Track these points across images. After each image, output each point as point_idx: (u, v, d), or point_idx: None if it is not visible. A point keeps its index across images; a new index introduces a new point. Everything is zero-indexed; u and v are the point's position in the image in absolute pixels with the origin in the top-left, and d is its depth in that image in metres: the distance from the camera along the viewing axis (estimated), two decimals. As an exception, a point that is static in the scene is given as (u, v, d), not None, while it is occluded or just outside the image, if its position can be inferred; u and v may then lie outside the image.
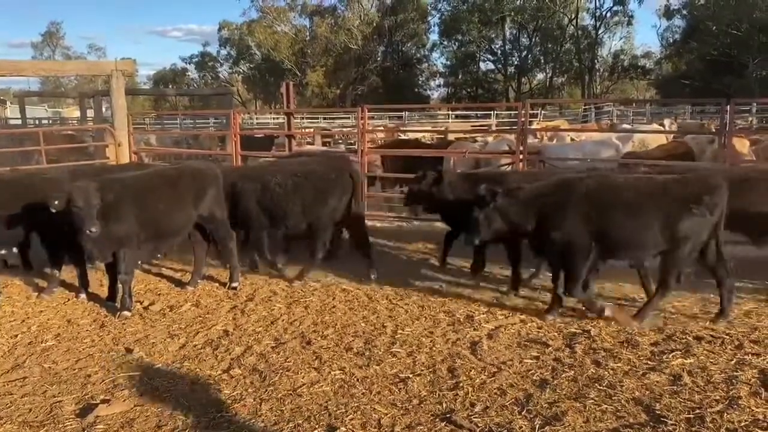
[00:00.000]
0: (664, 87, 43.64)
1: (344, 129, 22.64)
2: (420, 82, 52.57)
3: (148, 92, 48.40)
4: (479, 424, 3.65)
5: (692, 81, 38.34)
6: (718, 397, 3.83)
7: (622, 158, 9.59)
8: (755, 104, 21.67)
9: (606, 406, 3.79)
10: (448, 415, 3.77)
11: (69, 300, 6.43)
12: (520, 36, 49.01)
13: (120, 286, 6.05)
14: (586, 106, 30.60)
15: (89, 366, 4.77)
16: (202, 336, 5.32)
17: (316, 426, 3.72)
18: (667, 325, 5.21)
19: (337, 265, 7.27)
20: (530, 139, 10.01)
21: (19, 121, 22.17)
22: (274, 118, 30.89)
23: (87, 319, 5.90)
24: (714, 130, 11.48)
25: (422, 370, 4.44)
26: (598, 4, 46.27)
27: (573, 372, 4.31)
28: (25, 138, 13.88)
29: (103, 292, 6.50)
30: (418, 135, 16.18)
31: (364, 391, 4.16)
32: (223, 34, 52.66)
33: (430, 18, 50.26)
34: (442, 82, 53.24)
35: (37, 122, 24.20)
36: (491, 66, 51.44)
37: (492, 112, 28.57)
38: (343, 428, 3.68)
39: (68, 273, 6.76)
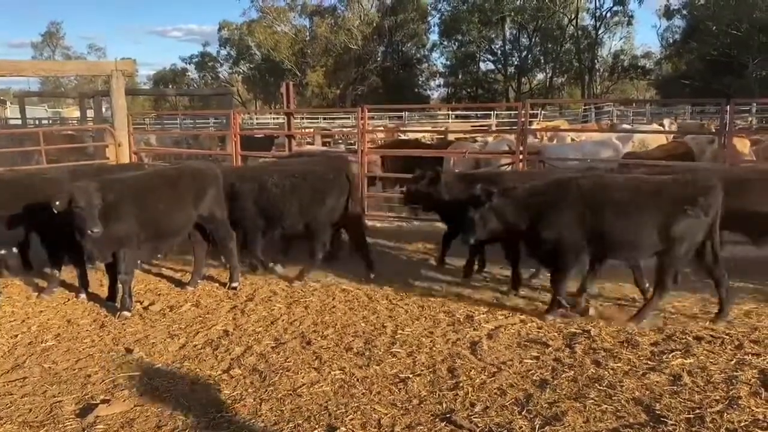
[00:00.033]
0: (664, 87, 43.65)
1: (344, 129, 22.63)
2: (420, 82, 52.58)
3: (148, 92, 48.41)
4: (479, 424, 3.65)
5: (692, 81, 38.34)
6: (718, 397, 3.83)
7: (622, 158, 9.59)
8: (755, 104, 21.68)
9: (606, 406, 3.79)
10: (448, 415, 3.77)
11: (69, 300, 6.43)
12: (520, 36, 49.01)
13: (120, 286, 6.05)
14: (586, 107, 30.60)
15: (89, 366, 4.77)
16: (202, 336, 5.32)
17: (316, 426, 3.72)
18: (667, 325, 5.21)
19: (337, 266, 7.28)
20: (530, 139, 10.00)
21: (19, 121, 22.18)
22: (274, 119, 30.89)
23: (87, 319, 5.90)
24: (714, 131, 11.48)
25: (422, 370, 4.44)
26: (598, 4, 46.37)
27: (573, 372, 4.31)
28: (25, 138, 13.89)
29: (103, 292, 6.50)
30: (418, 135, 16.18)
31: (364, 391, 4.16)
32: (223, 34, 52.70)
33: (430, 18, 50.33)
34: (442, 82, 53.32)
35: (37, 122, 24.20)
36: (491, 66, 51.52)
37: (492, 112, 28.57)
38: (343, 428, 3.68)
39: (68, 273, 6.77)
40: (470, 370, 4.40)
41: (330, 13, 49.28)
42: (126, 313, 5.86)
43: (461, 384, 4.19)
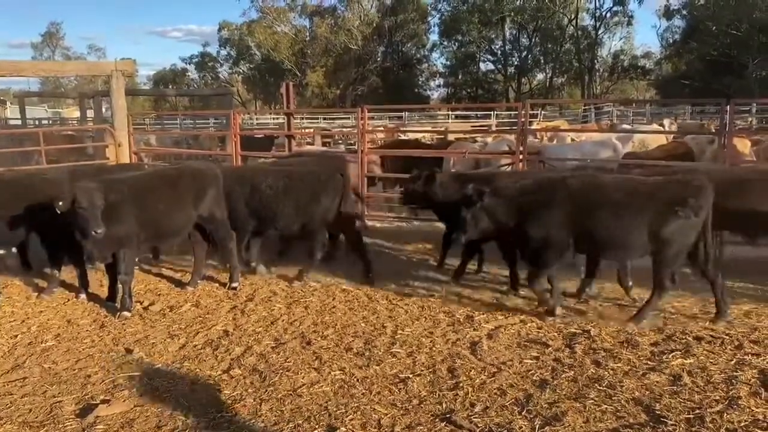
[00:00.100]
0: (664, 87, 43.67)
1: (344, 129, 22.65)
2: (420, 82, 52.60)
3: (148, 92, 48.41)
4: (479, 425, 3.65)
5: (692, 81, 38.37)
6: (718, 397, 3.83)
7: (622, 159, 9.59)
8: (755, 104, 21.69)
9: (606, 406, 3.79)
10: (448, 415, 3.77)
11: (69, 300, 6.43)
12: (520, 36, 49.03)
13: (120, 286, 6.05)
14: (586, 107, 30.60)
15: (89, 366, 4.77)
16: (202, 336, 5.32)
17: (316, 426, 3.72)
18: (667, 325, 5.21)
19: (336, 266, 7.28)
20: (530, 140, 10.00)
21: (19, 122, 22.18)
22: (274, 119, 30.90)
23: (87, 319, 5.90)
24: (714, 131, 11.48)
25: (422, 371, 4.44)
26: (597, 4, 46.41)
27: (573, 372, 4.31)
28: (25, 138, 13.89)
29: (103, 292, 6.50)
30: (418, 135, 16.19)
31: (364, 391, 4.16)
32: (223, 35, 52.71)
33: (430, 18, 50.37)
34: (442, 83, 53.35)
35: (37, 122, 24.22)
36: (491, 66, 51.55)
37: (492, 113, 28.59)
38: (343, 428, 3.68)
39: (68, 273, 6.76)
40: (470, 370, 4.40)
41: (330, 14, 49.34)
42: (126, 314, 5.86)
43: (461, 384, 4.19)
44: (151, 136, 17.83)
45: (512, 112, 27.01)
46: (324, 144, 17.95)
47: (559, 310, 5.54)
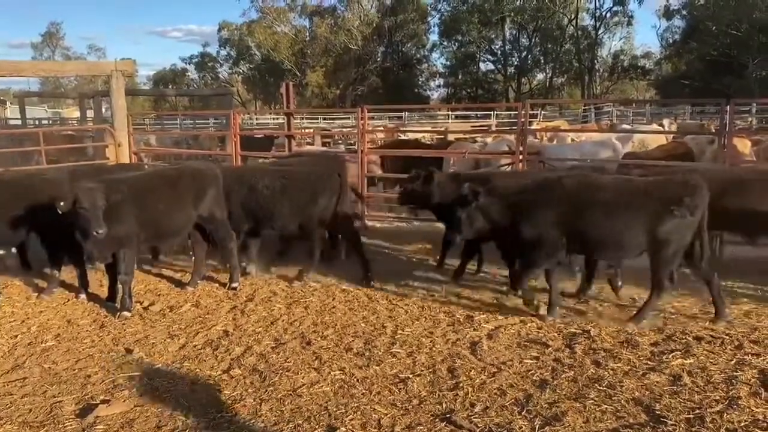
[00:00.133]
0: (664, 87, 43.66)
1: (344, 129, 22.64)
2: (420, 82, 52.60)
3: (148, 92, 48.39)
4: (479, 425, 3.65)
5: (692, 81, 38.36)
6: (718, 397, 3.83)
7: (622, 159, 9.59)
8: (755, 104, 21.68)
9: (606, 406, 3.79)
10: (448, 416, 3.77)
11: (69, 300, 6.43)
12: (519, 36, 49.03)
13: (120, 286, 6.05)
14: (586, 107, 30.61)
15: (89, 366, 4.77)
16: (202, 336, 5.32)
17: (316, 426, 3.72)
18: (667, 325, 5.21)
19: (336, 266, 7.28)
20: (530, 140, 10.00)
21: (19, 122, 22.18)
22: (274, 119, 30.90)
23: (87, 319, 5.90)
24: (714, 131, 11.48)
25: (422, 371, 4.44)
26: (597, 4, 46.40)
27: (573, 372, 4.31)
28: (25, 138, 13.89)
29: (103, 292, 6.50)
30: (418, 135, 16.19)
31: (364, 391, 4.16)
32: (222, 35, 52.71)
33: (429, 18, 50.36)
34: (441, 83, 53.34)
35: (36, 123, 24.21)
36: (491, 66, 51.54)
37: (492, 113, 28.59)
38: (343, 428, 3.68)
39: (68, 273, 6.76)
40: (470, 371, 4.40)
41: (330, 14, 49.33)
42: (126, 314, 5.86)
43: (461, 384, 4.19)
44: (151, 136, 17.82)
45: (512, 112, 27.01)
46: (324, 144, 17.94)
47: (558, 310, 5.55)
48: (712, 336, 4.83)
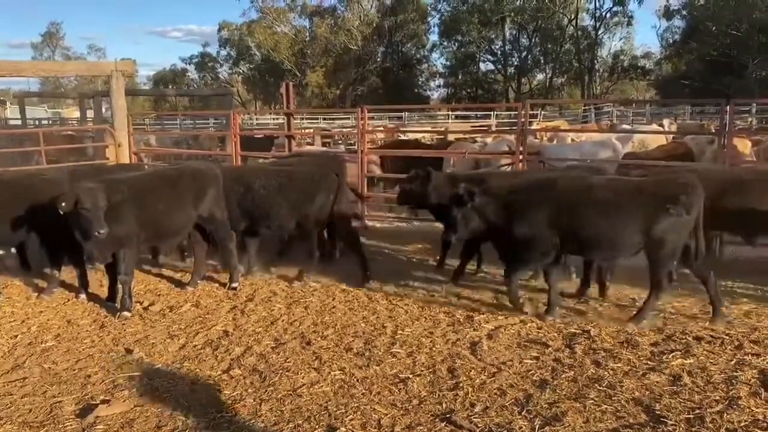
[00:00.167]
0: (664, 87, 43.67)
1: (344, 129, 22.65)
2: (420, 82, 52.60)
3: (148, 93, 48.42)
4: (479, 425, 3.65)
5: (692, 81, 38.38)
6: (718, 398, 3.83)
7: (622, 159, 9.59)
8: (755, 105, 21.69)
9: (606, 406, 3.79)
10: (448, 416, 3.77)
11: (69, 300, 6.43)
12: (519, 36, 49.03)
13: (120, 286, 6.05)
14: (586, 107, 30.61)
15: (89, 366, 4.77)
16: (202, 336, 5.32)
17: (316, 426, 3.72)
18: (667, 325, 5.22)
19: (336, 266, 7.28)
20: (530, 140, 10.00)
21: (19, 122, 22.18)
22: (274, 119, 30.91)
23: (87, 319, 5.90)
24: (714, 131, 11.48)
25: (422, 371, 4.44)
26: (597, 4, 46.40)
27: (573, 372, 4.31)
28: (25, 138, 13.88)
29: (103, 292, 6.50)
30: (418, 135, 16.19)
31: (364, 391, 4.16)
32: (222, 35, 52.70)
33: (429, 18, 50.36)
34: (441, 83, 53.35)
35: (36, 123, 24.21)
36: (491, 66, 51.54)
37: (492, 113, 28.58)
38: (343, 428, 3.68)
39: (68, 273, 6.76)
40: (470, 371, 4.40)
41: (330, 14, 49.33)
42: (126, 314, 5.86)
43: (461, 384, 4.19)
44: (150, 136, 17.81)
45: (512, 113, 26.99)
46: (324, 144, 17.95)
47: (558, 310, 5.56)
48: (712, 336, 4.83)
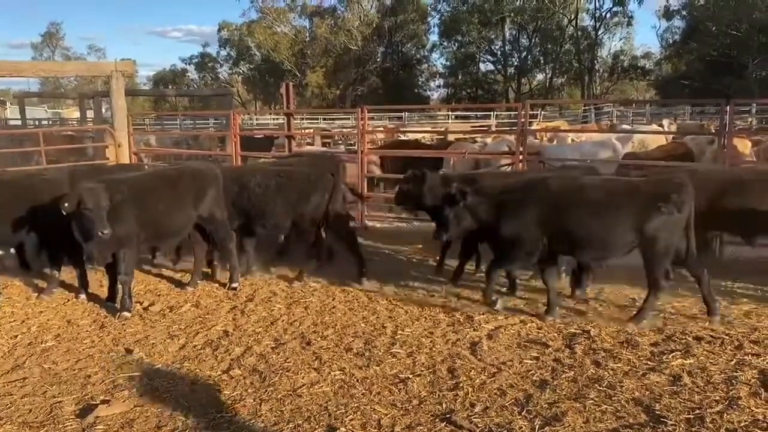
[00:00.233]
0: (664, 88, 43.67)
1: (344, 130, 22.65)
2: (420, 82, 52.59)
3: (147, 93, 48.37)
4: (479, 425, 3.65)
5: (692, 82, 38.37)
6: (718, 398, 3.83)
7: (622, 159, 9.59)
8: (755, 105, 21.69)
9: (606, 406, 3.79)
10: (448, 416, 3.77)
11: (69, 301, 6.43)
12: (519, 37, 49.02)
13: (120, 286, 6.05)
14: (586, 107, 30.62)
15: (89, 366, 4.77)
16: (201, 336, 5.32)
17: (316, 426, 3.72)
18: (666, 325, 5.22)
19: (336, 266, 7.27)
20: (530, 140, 10.00)
21: (19, 122, 22.18)
22: (273, 119, 30.91)
23: (87, 319, 5.90)
24: (714, 131, 11.48)
25: (422, 371, 4.44)
26: (597, 4, 46.38)
27: (573, 372, 4.31)
28: (24, 138, 13.87)
29: (103, 292, 6.50)
30: (418, 136, 16.20)
31: (364, 391, 4.16)
32: (222, 35, 52.66)
33: (429, 19, 50.32)
34: (441, 83, 53.32)
35: (36, 123, 24.21)
36: (491, 67, 51.51)
37: (492, 113, 28.58)
38: (343, 429, 3.68)
39: (68, 273, 6.76)
40: (470, 371, 4.40)
41: (330, 14, 49.31)
42: (126, 314, 5.86)
43: (461, 384, 4.19)
44: (150, 136, 17.81)
45: (512, 113, 26.99)
46: (324, 144, 17.95)
47: (558, 310, 5.57)
48: (712, 336, 4.83)
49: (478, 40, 48.13)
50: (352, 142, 17.09)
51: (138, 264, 6.85)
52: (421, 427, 3.67)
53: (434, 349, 4.84)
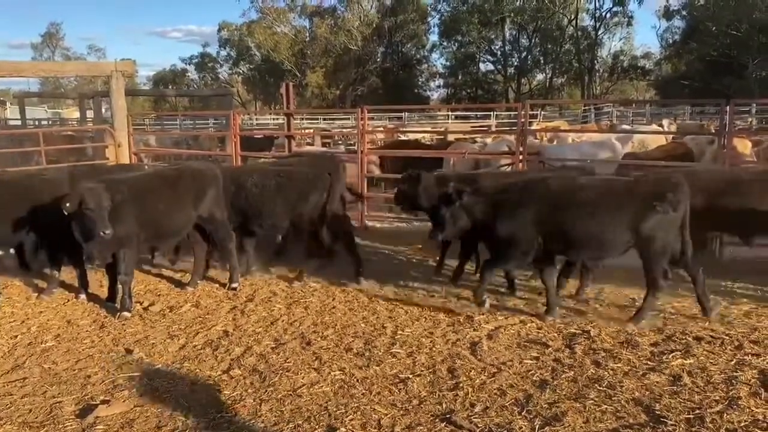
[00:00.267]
0: (664, 88, 43.68)
1: (344, 130, 22.65)
2: (420, 82, 52.59)
3: (147, 93, 48.36)
4: (479, 425, 3.65)
5: (692, 82, 38.37)
6: (717, 398, 3.83)
7: (622, 159, 9.59)
8: (755, 105, 21.70)
9: (606, 406, 3.80)
10: (448, 416, 3.77)
11: (69, 301, 6.43)
12: (519, 37, 49.02)
13: (120, 286, 6.05)
14: (586, 107, 30.62)
15: (89, 367, 4.77)
16: (201, 337, 5.32)
17: (316, 426, 3.72)
18: (666, 325, 5.21)
19: (336, 266, 7.27)
20: (530, 140, 10.00)
21: (19, 122, 22.19)
22: (273, 119, 30.91)
23: (87, 319, 5.90)
24: (713, 131, 11.48)
25: (422, 371, 4.44)
26: (597, 4, 46.37)
27: (573, 372, 4.31)
28: (24, 139, 13.88)
29: (103, 292, 6.49)
30: (418, 136, 16.20)
31: (364, 391, 4.16)
32: (222, 35, 52.67)
33: (429, 19, 50.32)
34: (441, 83, 53.32)
35: (36, 123, 24.22)
36: (491, 67, 51.51)
37: (492, 113, 28.58)
38: (343, 429, 3.68)
39: (68, 273, 6.76)
40: (470, 371, 4.40)
41: (330, 14, 49.31)
42: (126, 314, 5.86)
43: (461, 384, 4.19)
44: (150, 136, 17.80)
45: (512, 113, 26.97)
46: (324, 144, 17.95)
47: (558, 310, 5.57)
48: (712, 336, 4.83)
49: (478, 40, 48.13)
50: (352, 142, 17.10)
51: (138, 264, 6.85)
52: (421, 427, 3.67)
53: (434, 349, 4.84)
